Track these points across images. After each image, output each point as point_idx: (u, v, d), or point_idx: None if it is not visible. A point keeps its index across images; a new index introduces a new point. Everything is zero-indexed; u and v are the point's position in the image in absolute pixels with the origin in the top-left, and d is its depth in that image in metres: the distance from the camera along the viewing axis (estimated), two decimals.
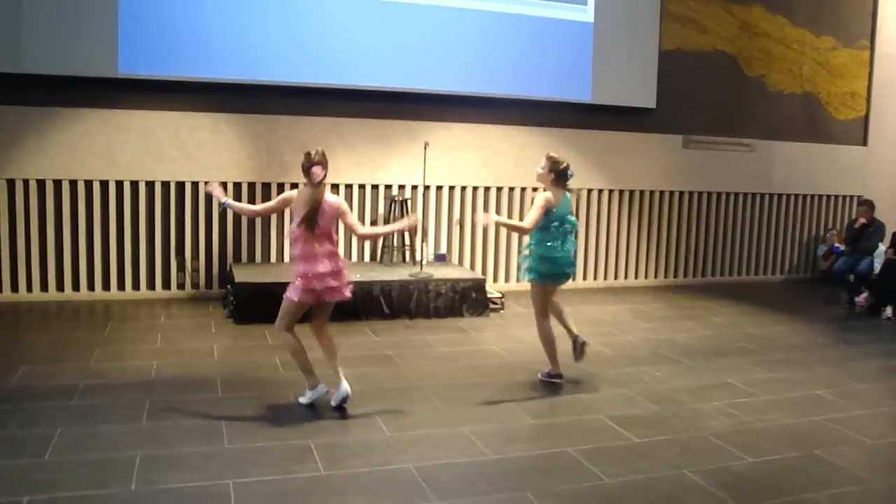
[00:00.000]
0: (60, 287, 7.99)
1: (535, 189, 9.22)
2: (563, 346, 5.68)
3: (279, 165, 8.43)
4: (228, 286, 7.81)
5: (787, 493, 3.91)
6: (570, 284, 9.62)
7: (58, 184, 7.88)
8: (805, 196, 11.19)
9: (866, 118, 11.46)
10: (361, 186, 8.81)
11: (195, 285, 8.38)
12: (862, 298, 8.87)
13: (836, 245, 10.54)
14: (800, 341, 7.27)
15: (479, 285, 7.99)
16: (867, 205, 9.13)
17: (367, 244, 8.90)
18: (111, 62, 7.72)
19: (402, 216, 8.60)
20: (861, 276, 8.92)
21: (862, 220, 9.07)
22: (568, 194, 5.55)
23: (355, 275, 4.94)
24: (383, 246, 8.77)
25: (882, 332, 7.95)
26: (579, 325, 7.15)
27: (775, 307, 8.86)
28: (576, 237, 5.80)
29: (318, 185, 4.78)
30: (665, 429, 4.75)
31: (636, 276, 10.22)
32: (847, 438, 4.68)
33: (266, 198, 8.49)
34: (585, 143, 9.64)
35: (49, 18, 7.50)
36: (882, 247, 8.99)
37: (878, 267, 8.84)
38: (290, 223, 4.95)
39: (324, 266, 4.77)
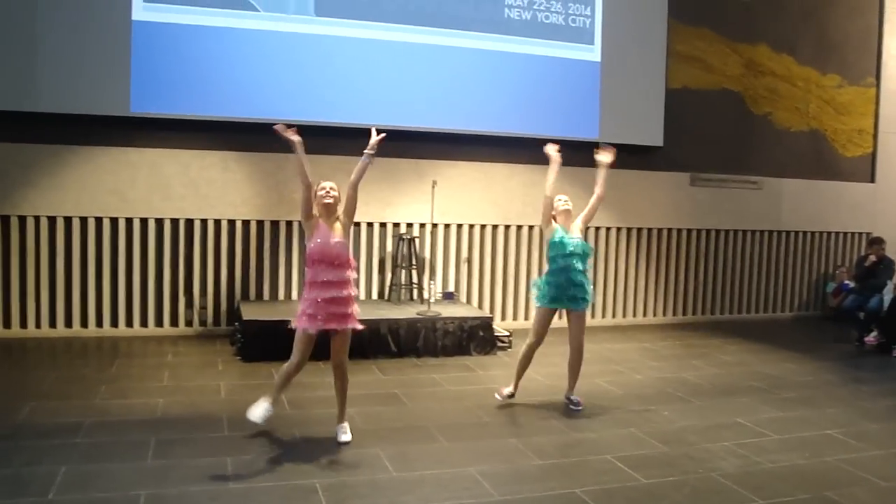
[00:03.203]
0: (69, 323, 8.01)
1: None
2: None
3: (288, 203, 8.48)
4: (236, 324, 7.82)
5: None
6: None
7: (68, 221, 7.95)
8: (813, 233, 11.17)
9: (874, 155, 11.49)
10: (369, 224, 8.84)
11: (203, 323, 8.38)
12: (872, 338, 8.80)
13: (846, 282, 10.50)
14: (810, 380, 7.21)
15: (486, 324, 7.96)
16: (879, 243, 9.10)
17: (376, 281, 8.92)
18: (123, 101, 7.83)
19: (410, 254, 8.63)
20: (871, 313, 8.86)
21: (872, 258, 9.04)
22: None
23: None
24: (391, 284, 8.77)
25: (893, 371, 7.86)
26: (587, 363, 7.11)
27: (784, 345, 8.80)
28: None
29: None
30: (674, 469, 4.69)
31: (644, 314, 10.18)
32: (859, 480, 4.61)
33: (274, 236, 8.55)
34: (593, 182, 9.64)
35: (63, 59, 7.64)
36: (890, 284, 8.94)
37: (887, 303, 8.78)
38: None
39: None
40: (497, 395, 6.11)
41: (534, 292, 6.05)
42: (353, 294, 4.99)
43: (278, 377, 5.11)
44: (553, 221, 5.92)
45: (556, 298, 5.86)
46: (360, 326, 5.01)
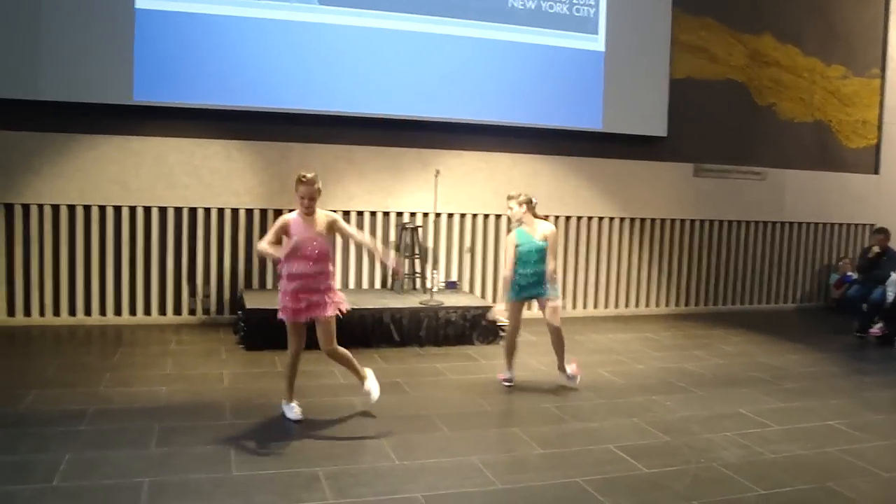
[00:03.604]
0: (73, 311, 8.03)
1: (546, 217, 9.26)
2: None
3: (291, 192, 8.42)
4: (239, 312, 7.83)
5: None
6: (580, 312, 9.71)
7: (72, 209, 7.96)
8: (817, 224, 11.15)
9: (878, 146, 11.45)
10: (373, 213, 8.84)
11: (206, 311, 8.40)
12: (877, 329, 8.79)
13: (849, 274, 10.49)
14: (812, 371, 7.21)
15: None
16: (884, 233, 9.08)
17: (379, 270, 8.93)
18: (126, 90, 7.82)
19: (413, 243, 8.63)
20: (874, 304, 8.85)
21: (876, 249, 9.02)
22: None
23: None
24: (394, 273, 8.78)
25: (895, 362, 7.86)
26: (590, 353, 7.15)
27: (787, 336, 8.80)
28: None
29: None
30: (675, 459, 4.70)
31: (647, 305, 10.18)
32: (861, 471, 4.62)
33: None
34: (596, 172, 9.67)
35: (66, 47, 7.62)
36: (894, 275, 8.92)
37: (890, 295, 8.77)
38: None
39: None
40: (505, 384, 6.27)
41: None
42: (331, 285, 5.07)
43: (285, 370, 5.21)
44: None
45: (523, 290, 6.14)
46: (343, 308, 5.12)
